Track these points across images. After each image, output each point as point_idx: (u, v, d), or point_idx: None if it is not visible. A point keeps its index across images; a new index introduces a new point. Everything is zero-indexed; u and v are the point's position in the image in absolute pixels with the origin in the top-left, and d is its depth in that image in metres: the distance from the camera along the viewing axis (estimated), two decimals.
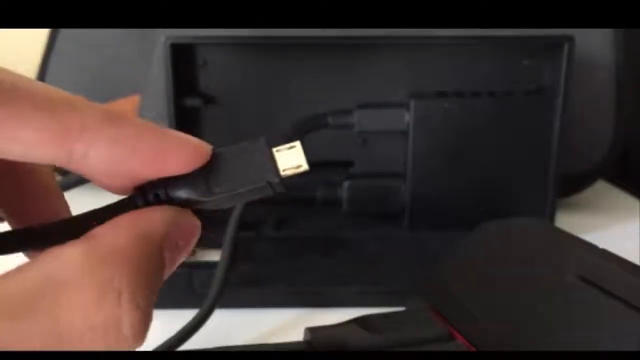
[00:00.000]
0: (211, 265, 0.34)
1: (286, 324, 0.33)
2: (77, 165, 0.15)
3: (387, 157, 0.43)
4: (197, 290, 0.34)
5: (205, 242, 0.42)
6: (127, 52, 0.52)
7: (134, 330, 0.14)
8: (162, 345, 0.28)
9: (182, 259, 0.16)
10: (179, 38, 0.39)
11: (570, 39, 0.40)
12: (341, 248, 0.40)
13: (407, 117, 0.41)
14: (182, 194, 0.16)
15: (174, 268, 0.16)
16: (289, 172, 0.16)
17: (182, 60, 0.40)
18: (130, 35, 0.52)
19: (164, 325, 0.31)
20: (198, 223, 0.16)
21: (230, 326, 0.33)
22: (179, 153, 0.15)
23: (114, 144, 0.15)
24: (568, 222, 0.44)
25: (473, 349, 0.24)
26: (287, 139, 0.17)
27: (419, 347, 0.25)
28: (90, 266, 0.13)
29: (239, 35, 0.40)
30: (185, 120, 0.40)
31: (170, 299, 0.34)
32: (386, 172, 0.43)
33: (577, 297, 0.22)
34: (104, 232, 0.14)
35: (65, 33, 0.54)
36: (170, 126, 0.39)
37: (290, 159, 0.16)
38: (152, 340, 0.28)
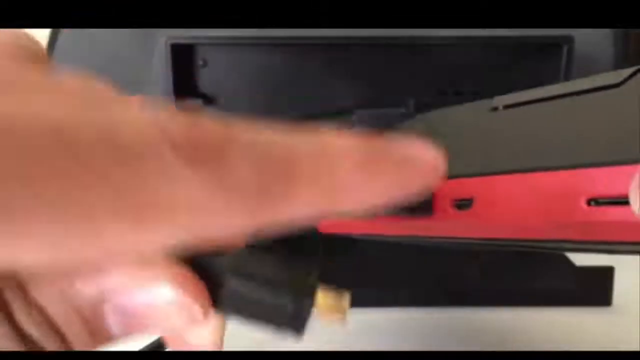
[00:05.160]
0: None
1: None
2: None
3: None
4: None
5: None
6: (127, 53, 0.52)
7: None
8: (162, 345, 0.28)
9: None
10: (179, 38, 0.39)
11: (569, 40, 0.40)
12: (341, 248, 0.40)
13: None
14: None
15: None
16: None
17: (182, 60, 0.40)
18: (131, 36, 0.52)
19: None
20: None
21: (231, 324, 0.32)
22: None
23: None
24: None
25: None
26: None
27: None
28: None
29: (239, 36, 0.40)
30: None
31: None
32: None
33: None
34: None
35: (65, 34, 0.54)
36: None
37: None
38: (152, 340, 0.28)
